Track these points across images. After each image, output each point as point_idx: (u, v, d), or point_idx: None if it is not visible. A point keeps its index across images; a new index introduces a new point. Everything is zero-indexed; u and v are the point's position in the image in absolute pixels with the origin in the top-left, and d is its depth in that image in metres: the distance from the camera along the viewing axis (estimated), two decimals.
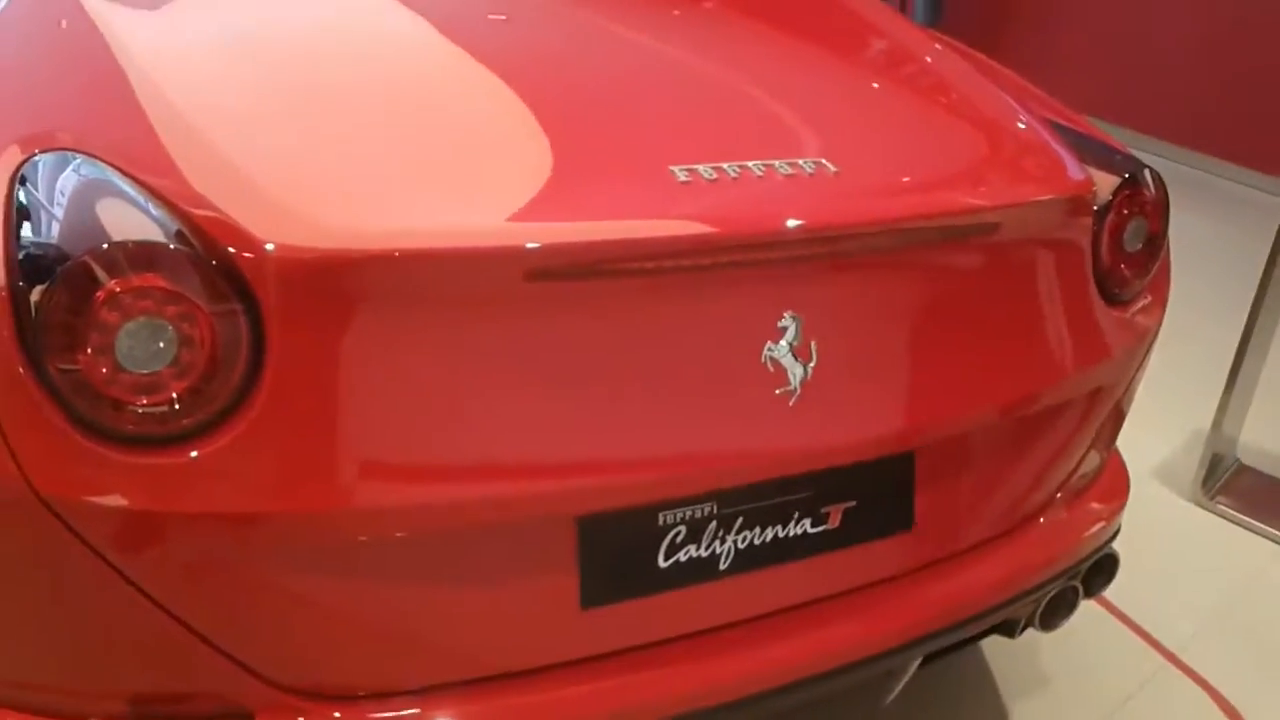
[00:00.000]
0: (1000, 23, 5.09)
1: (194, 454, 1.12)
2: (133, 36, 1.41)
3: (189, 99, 1.29)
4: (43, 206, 1.16)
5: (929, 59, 1.86)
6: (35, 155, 1.20)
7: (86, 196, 1.17)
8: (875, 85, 1.77)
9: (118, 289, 1.09)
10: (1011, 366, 1.54)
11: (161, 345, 1.11)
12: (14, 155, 1.20)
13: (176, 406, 1.12)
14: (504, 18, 1.68)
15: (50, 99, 1.32)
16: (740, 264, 1.30)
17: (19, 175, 1.17)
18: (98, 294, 1.08)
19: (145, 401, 1.11)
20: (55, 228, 1.14)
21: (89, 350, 1.09)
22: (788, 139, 1.47)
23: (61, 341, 1.09)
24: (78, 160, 1.19)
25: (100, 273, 1.09)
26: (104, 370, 1.09)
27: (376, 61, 1.48)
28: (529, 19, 1.69)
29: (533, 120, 1.40)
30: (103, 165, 1.18)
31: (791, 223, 1.30)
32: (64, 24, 1.47)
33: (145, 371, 1.11)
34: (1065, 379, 1.60)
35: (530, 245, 1.19)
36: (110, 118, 1.27)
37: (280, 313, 1.13)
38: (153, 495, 1.12)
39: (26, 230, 1.13)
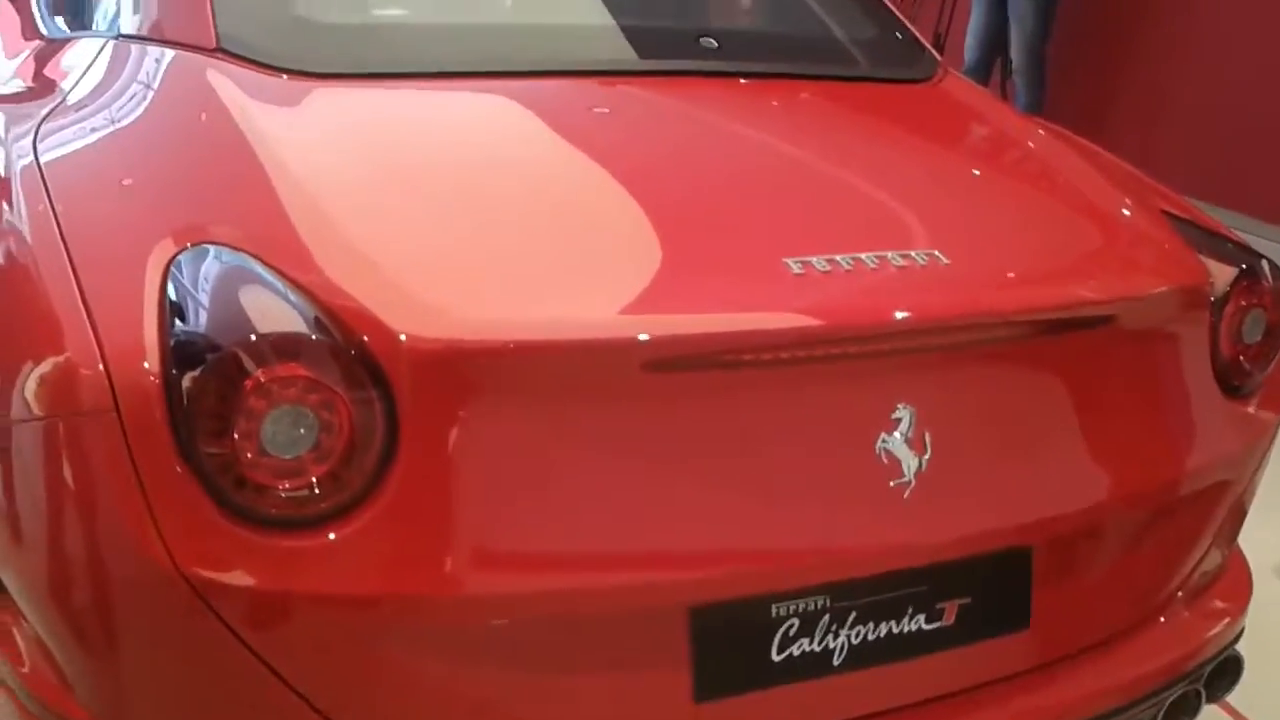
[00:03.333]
0: (1103, 106, 5.07)
1: (330, 537, 1.17)
2: (272, 130, 1.49)
3: (326, 193, 1.36)
4: (192, 297, 1.23)
5: (1036, 147, 1.87)
6: (187, 248, 1.27)
7: (234, 288, 1.23)
8: (984, 175, 1.79)
9: (264, 378, 1.14)
10: (1129, 461, 1.52)
11: (303, 431, 1.16)
12: (167, 247, 1.27)
13: (315, 490, 1.16)
14: (610, 111, 1.73)
15: (196, 192, 1.40)
16: (854, 355, 1.31)
17: (172, 266, 1.25)
18: (246, 383, 1.14)
19: (286, 485, 1.16)
20: (205, 318, 1.21)
21: (236, 435, 1.14)
22: (899, 230, 1.49)
23: (211, 427, 1.14)
24: (225, 253, 1.26)
25: (249, 362, 1.14)
26: (249, 455, 1.15)
27: (501, 158, 1.54)
28: (641, 114, 1.74)
29: (649, 213, 1.44)
30: (248, 257, 1.24)
31: (905, 314, 1.32)
32: (204, 117, 1.56)
33: (287, 456, 1.16)
34: (1184, 474, 1.58)
35: (648, 337, 1.22)
36: (252, 211, 1.34)
37: (413, 400, 1.17)
38: (289, 576, 1.16)
39: (178, 319, 1.20)
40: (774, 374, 1.29)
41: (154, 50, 1.70)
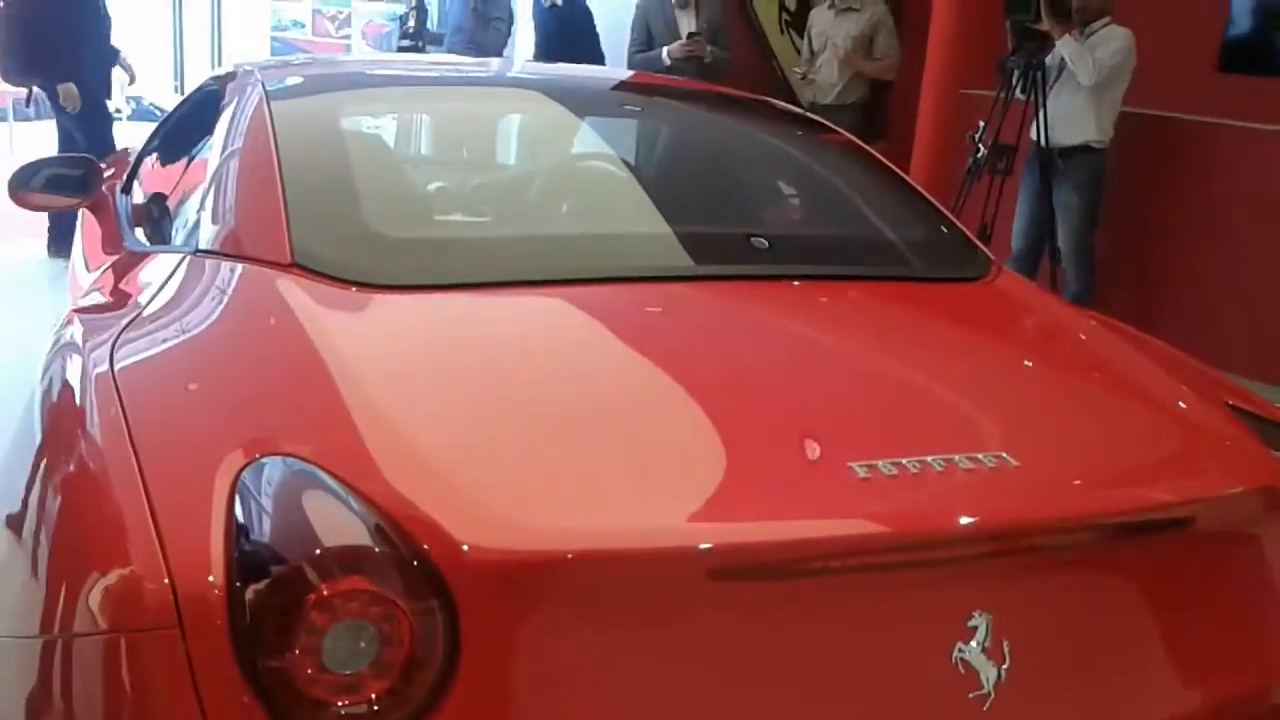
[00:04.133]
0: (1152, 292, 5.08)
1: None
2: (340, 341, 1.53)
3: (392, 402, 1.38)
4: (259, 508, 1.23)
5: (1097, 345, 1.86)
6: (256, 459, 1.28)
7: (299, 499, 1.24)
8: (1047, 374, 1.78)
9: (327, 592, 1.13)
10: (1215, 667, 1.45)
11: (364, 645, 1.14)
12: (236, 459, 1.28)
13: (375, 707, 1.14)
14: (669, 315, 1.76)
15: (266, 403, 1.42)
16: (925, 562, 1.28)
17: (240, 478, 1.26)
18: (309, 597, 1.13)
19: (346, 702, 1.13)
20: (270, 530, 1.21)
21: (297, 650, 1.13)
22: (965, 432, 1.48)
23: (272, 641, 1.13)
24: (293, 464, 1.27)
25: (312, 576, 1.14)
26: (309, 670, 1.13)
27: (562, 366, 1.56)
28: (700, 318, 1.77)
29: (712, 419, 1.44)
30: (315, 469, 1.26)
31: (978, 521, 1.29)
32: (274, 330, 1.61)
33: (347, 672, 1.14)
34: (1274, 681, 1.50)
35: (714, 546, 1.20)
36: (320, 422, 1.35)
37: (475, 611, 1.15)
38: None
39: (244, 532, 1.20)
40: (843, 582, 1.26)
41: (229, 265, 1.77)
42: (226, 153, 2.12)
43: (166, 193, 2.74)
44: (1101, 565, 1.38)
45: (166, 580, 1.16)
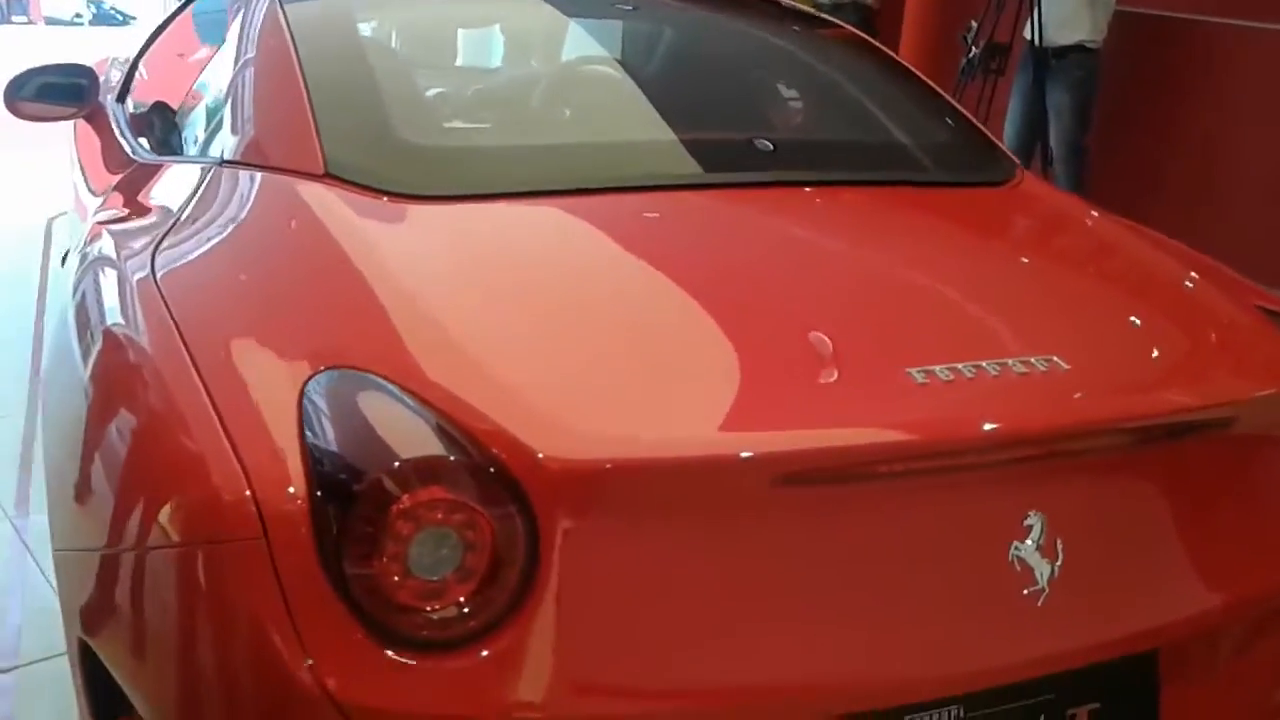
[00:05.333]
0: (1145, 190, 5.09)
1: (476, 656, 1.17)
2: (389, 254, 1.53)
3: (447, 314, 1.39)
4: (330, 421, 1.24)
5: (1129, 248, 1.88)
6: (321, 371, 1.28)
7: (371, 412, 1.25)
8: (1084, 277, 1.80)
9: (410, 502, 1.15)
10: (1254, 561, 1.50)
11: (447, 552, 1.17)
12: (301, 372, 1.29)
13: (461, 610, 1.17)
14: (709, 224, 1.76)
15: (324, 317, 1.42)
16: (985, 465, 1.31)
17: (307, 391, 1.26)
18: (393, 507, 1.15)
19: (434, 606, 1.16)
20: (346, 443, 1.22)
21: (384, 559, 1.15)
22: (1014, 337, 1.50)
23: (358, 551, 1.15)
24: (360, 377, 1.28)
25: (395, 487, 1.16)
26: (396, 578, 1.15)
27: (607, 274, 1.57)
28: (741, 226, 1.77)
29: (769, 327, 1.45)
30: (382, 380, 1.26)
31: (1034, 423, 1.32)
32: (322, 244, 1.58)
33: (433, 578, 1.16)
34: None
35: (782, 451, 1.23)
36: (379, 335, 1.36)
37: (551, 516, 1.18)
38: (437, 698, 1.16)
39: (318, 445, 1.21)
40: (906, 485, 1.29)
41: (260, 175, 1.75)
42: (242, 61, 2.08)
43: (172, 102, 2.68)
44: (1148, 465, 1.42)
45: (248, 493, 1.17)
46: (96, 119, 3.00)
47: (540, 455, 1.18)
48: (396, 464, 1.17)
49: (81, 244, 1.92)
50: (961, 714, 1.35)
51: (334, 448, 1.21)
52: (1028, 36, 4.96)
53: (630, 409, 1.26)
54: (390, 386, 1.26)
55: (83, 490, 1.43)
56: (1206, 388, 1.47)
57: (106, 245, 1.78)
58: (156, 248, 1.64)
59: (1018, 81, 5.11)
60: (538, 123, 2.08)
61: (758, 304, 1.49)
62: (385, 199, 1.64)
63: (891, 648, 1.29)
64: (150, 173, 2.23)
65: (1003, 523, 1.32)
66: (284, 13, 2.06)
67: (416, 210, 1.64)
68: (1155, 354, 1.55)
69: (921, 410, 1.30)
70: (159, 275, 1.55)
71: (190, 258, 1.62)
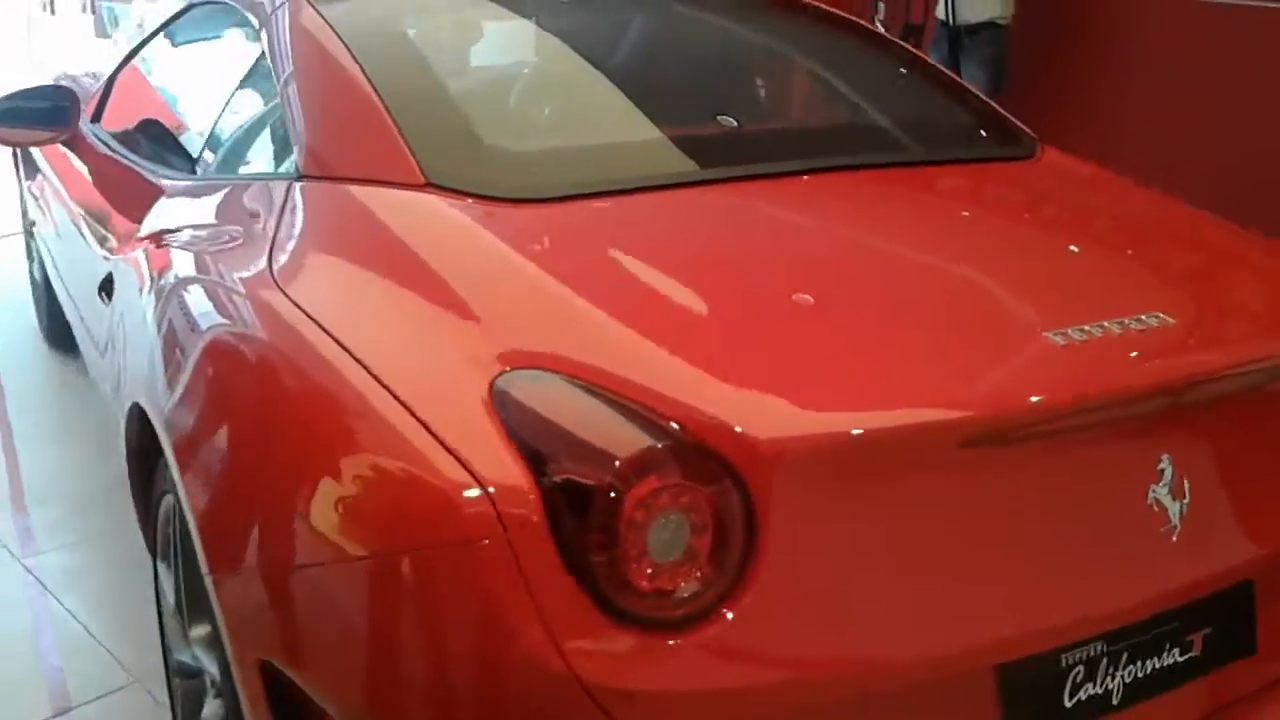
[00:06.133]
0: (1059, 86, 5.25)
1: (713, 629, 1.24)
2: (514, 248, 1.59)
3: (615, 311, 1.44)
4: (534, 421, 1.29)
5: (1167, 210, 2.04)
6: (507, 372, 1.33)
7: (575, 412, 1.29)
8: (1149, 238, 1.93)
9: (641, 493, 1.21)
10: None
11: (676, 537, 1.23)
12: (489, 374, 1.32)
13: (694, 588, 1.23)
14: (811, 208, 1.85)
15: (492, 319, 1.46)
16: (1128, 416, 1.43)
17: (503, 393, 1.31)
18: (624, 500, 1.21)
19: (665, 588, 1.23)
20: (559, 442, 1.26)
21: (619, 548, 1.21)
22: (1121, 298, 1.61)
23: (595, 542, 1.21)
24: (551, 376, 1.32)
25: (621, 483, 1.21)
26: (633, 564, 1.21)
27: (745, 258, 1.64)
28: (841, 208, 1.87)
29: (917, 302, 1.55)
30: (574, 380, 1.31)
31: (1162, 374, 1.45)
32: (457, 247, 1.62)
33: (666, 560, 1.23)
34: None
35: (970, 416, 1.32)
36: (554, 336, 1.40)
37: (765, 495, 1.25)
38: (681, 675, 1.23)
39: (529, 443, 1.26)
40: (1063, 440, 1.40)
41: (359, 189, 1.76)
42: (285, 72, 2.07)
43: (164, 121, 2.65)
44: (1251, 404, 1.56)
45: (479, 494, 1.22)
46: (77, 141, 2.94)
47: (744, 433, 1.25)
48: (619, 460, 1.22)
49: (155, 276, 1.90)
50: (1104, 649, 1.47)
51: (546, 448, 1.26)
52: (940, 16, 5.17)
53: (820, 386, 1.34)
54: (579, 384, 1.31)
55: (260, 512, 1.45)
56: None
57: (200, 271, 1.78)
58: (270, 266, 1.65)
59: (932, 59, 5.32)
60: (620, 118, 2.11)
61: (895, 282, 1.59)
62: (497, 205, 1.68)
63: (1053, 595, 1.41)
64: (195, 194, 2.21)
65: (1142, 468, 1.44)
66: (325, 18, 2.06)
67: (530, 213, 1.68)
68: (1241, 304, 1.69)
69: (1070, 369, 1.41)
70: (291, 293, 1.56)
71: (315, 273, 1.63)
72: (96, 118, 3.00)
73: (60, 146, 3.01)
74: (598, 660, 1.21)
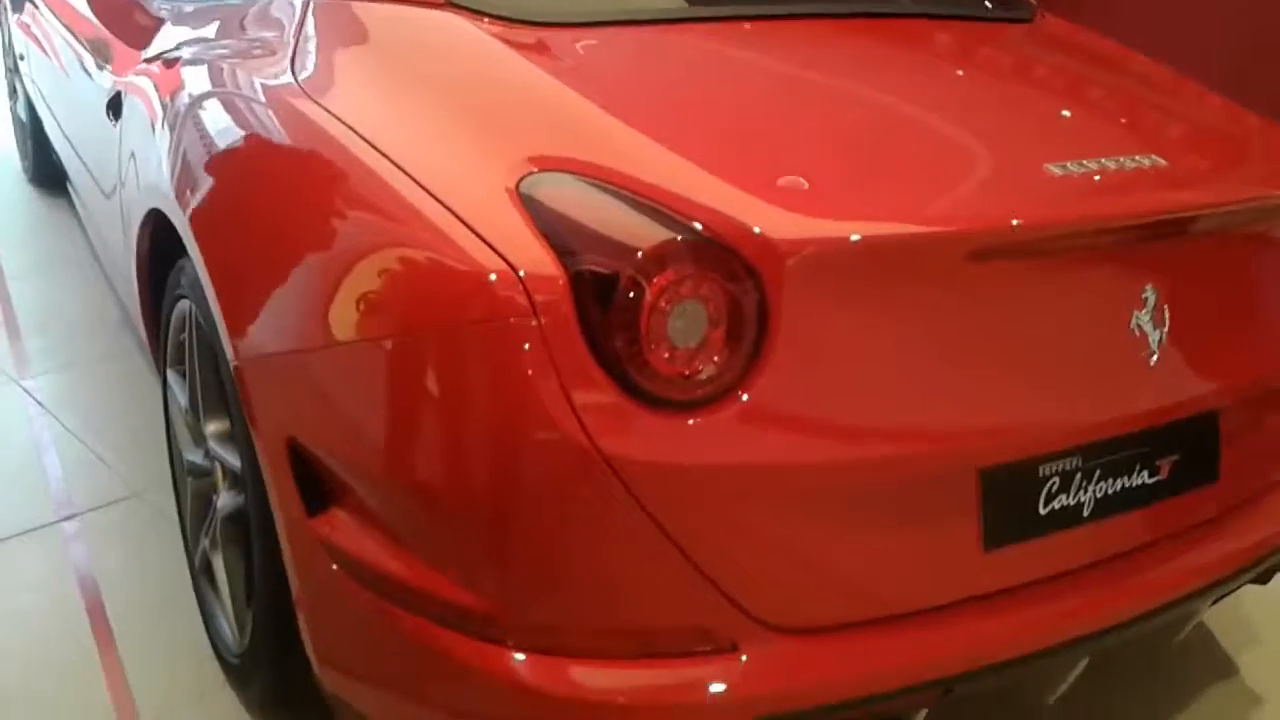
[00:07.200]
0: None
1: (717, 415, 1.32)
2: (547, 68, 1.63)
3: (637, 121, 1.50)
4: (558, 216, 1.35)
5: (1158, 70, 2.11)
6: (533, 173, 1.39)
7: (598, 209, 1.35)
8: (1143, 93, 2.01)
9: (667, 281, 1.29)
10: None
11: (696, 323, 1.31)
12: (517, 174, 1.38)
13: (705, 375, 1.32)
14: (833, 46, 1.91)
15: (515, 127, 1.51)
16: (1120, 242, 1.52)
17: (532, 190, 1.37)
18: (652, 284, 1.28)
19: (687, 372, 1.31)
20: (583, 235, 1.32)
21: (642, 331, 1.28)
22: (1116, 139, 1.69)
23: (619, 321, 1.28)
24: (575, 178, 1.38)
25: (653, 269, 1.29)
26: (653, 346, 1.29)
27: (753, 83, 1.70)
28: (858, 51, 1.92)
29: (921, 130, 1.63)
30: (597, 180, 1.37)
31: (1152, 207, 1.53)
32: (483, 61, 1.66)
33: (687, 346, 1.30)
34: None
35: (978, 229, 1.40)
36: (575, 142, 1.46)
37: (778, 290, 1.33)
38: (693, 450, 1.31)
39: (556, 236, 1.32)
40: (1059, 262, 1.49)
41: (381, 6, 1.79)
42: None
43: None
44: (1232, 245, 1.65)
45: (514, 275, 1.28)
46: None
47: (761, 233, 1.32)
48: (642, 252, 1.29)
49: (165, 83, 1.92)
50: (1079, 464, 1.57)
51: (572, 242, 1.32)
52: None
53: (834, 194, 1.41)
54: (602, 184, 1.37)
55: (290, 296, 1.51)
56: (1268, 179, 1.71)
57: (223, 79, 1.81)
58: (294, 75, 1.68)
59: None
60: None
61: (904, 112, 1.65)
62: (516, 26, 1.72)
63: (1034, 404, 1.50)
64: (209, 10, 2.22)
65: (1127, 294, 1.54)
66: None
67: (550, 34, 1.72)
68: (1232, 153, 1.78)
69: (1067, 196, 1.49)
70: (318, 98, 1.60)
71: (340, 82, 1.67)
72: None
73: None
74: (620, 435, 1.29)
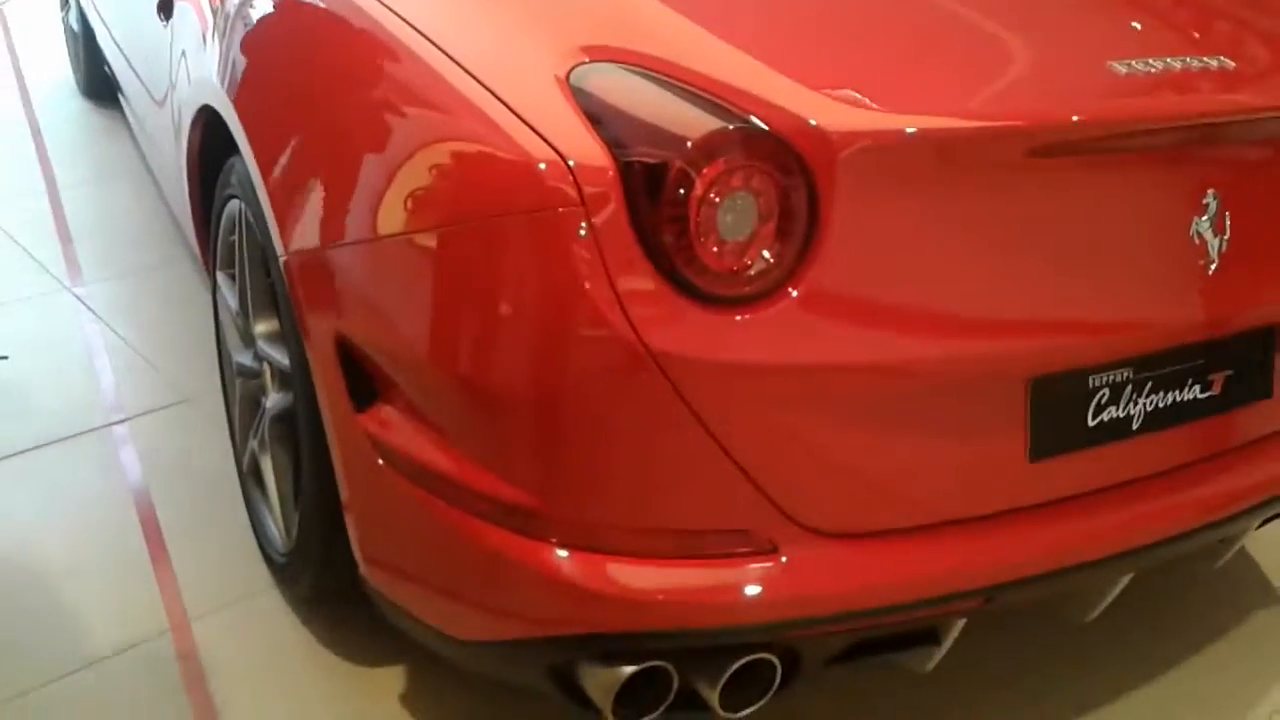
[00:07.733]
0: None
1: (766, 310, 1.31)
2: None
3: (689, 13, 1.47)
4: (610, 106, 1.33)
5: None
6: (586, 63, 1.37)
7: (650, 99, 1.33)
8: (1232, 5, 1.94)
9: (717, 172, 1.27)
10: None
11: (746, 216, 1.29)
12: (568, 64, 1.36)
13: (759, 269, 1.30)
14: None
15: (562, 20, 1.49)
16: (1179, 143, 1.48)
17: (583, 81, 1.35)
18: (702, 175, 1.26)
19: (737, 266, 1.29)
20: (633, 125, 1.31)
21: (697, 226, 1.27)
22: (1184, 41, 1.64)
23: (668, 215, 1.26)
24: (629, 68, 1.36)
25: (703, 160, 1.26)
26: (704, 241, 1.28)
27: None
28: None
29: (989, 27, 1.58)
30: (650, 71, 1.35)
31: (1219, 109, 1.49)
32: None
33: (732, 240, 1.29)
34: None
35: (1039, 124, 1.37)
36: (626, 33, 1.44)
37: (831, 184, 1.30)
38: (736, 348, 1.30)
39: (607, 125, 1.31)
40: (1119, 161, 1.45)
41: None
42: None
43: None
44: None
45: (560, 165, 1.27)
46: None
47: (815, 125, 1.30)
48: (691, 141, 1.26)
49: None
50: (1130, 376, 1.54)
51: (621, 133, 1.30)
52: None
53: (883, 89, 1.38)
54: (653, 75, 1.35)
55: (342, 188, 1.51)
56: None
57: None
58: None
59: None
60: None
61: (967, 9, 1.60)
62: None
63: (1088, 314, 1.47)
64: None
65: (1189, 199, 1.49)
66: None
67: None
68: None
69: (1130, 94, 1.45)
70: None
71: None
72: None
73: None
74: (666, 330, 1.28)
